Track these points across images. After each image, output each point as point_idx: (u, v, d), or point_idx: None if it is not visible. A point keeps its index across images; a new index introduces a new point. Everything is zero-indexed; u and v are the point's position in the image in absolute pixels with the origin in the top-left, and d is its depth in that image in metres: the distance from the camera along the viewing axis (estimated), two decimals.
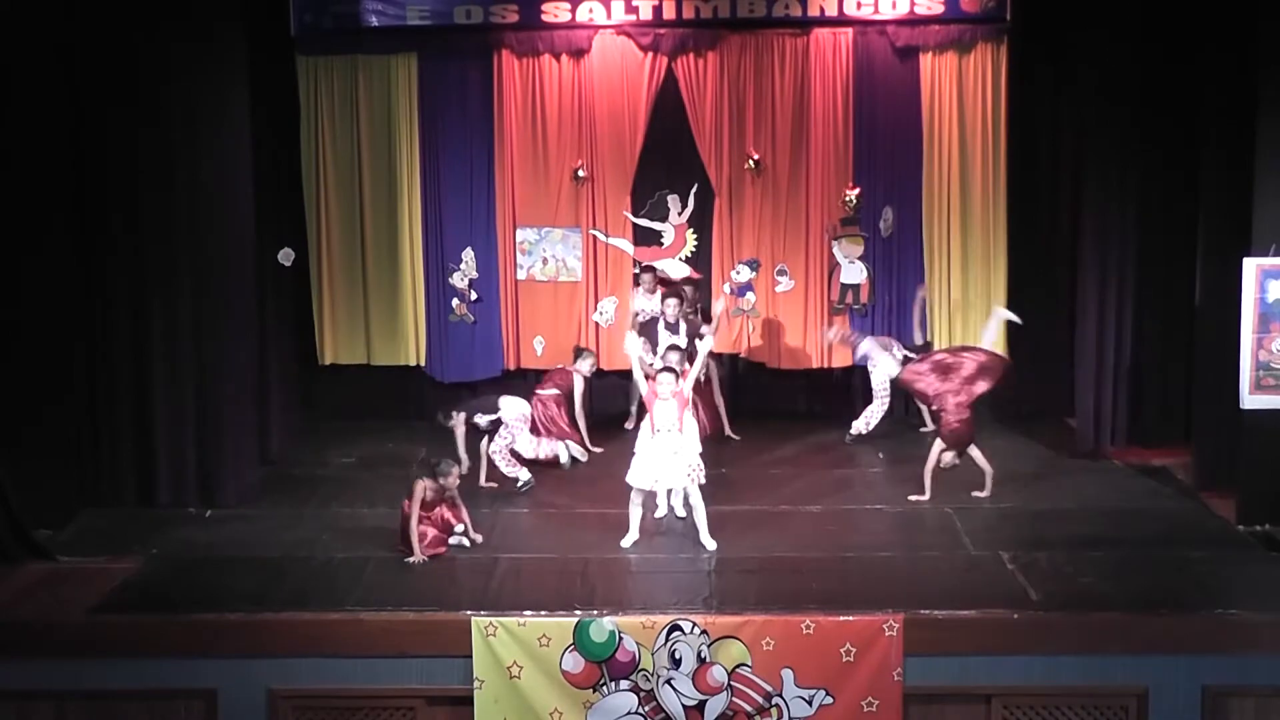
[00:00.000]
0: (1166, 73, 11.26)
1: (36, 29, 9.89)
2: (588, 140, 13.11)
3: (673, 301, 12.18)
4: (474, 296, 13.27)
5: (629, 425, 12.55)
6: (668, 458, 9.52)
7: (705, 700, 8.41)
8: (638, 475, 9.69)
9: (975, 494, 10.62)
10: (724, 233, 13.22)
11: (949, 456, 10.61)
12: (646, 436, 9.70)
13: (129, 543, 9.84)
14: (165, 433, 10.58)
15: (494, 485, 10.98)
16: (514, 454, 11.11)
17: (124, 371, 10.53)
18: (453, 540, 9.66)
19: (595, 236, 13.22)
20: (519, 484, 10.98)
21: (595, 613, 8.46)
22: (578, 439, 11.97)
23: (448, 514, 9.66)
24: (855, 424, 12.40)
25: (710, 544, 9.60)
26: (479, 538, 9.76)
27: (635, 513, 9.80)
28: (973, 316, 13.10)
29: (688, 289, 12.61)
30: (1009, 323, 12.52)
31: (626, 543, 9.69)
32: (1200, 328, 10.98)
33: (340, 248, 13.21)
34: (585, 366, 12.17)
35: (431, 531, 9.55)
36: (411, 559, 9.38)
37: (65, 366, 10.28)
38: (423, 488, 9.53)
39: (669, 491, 10.12)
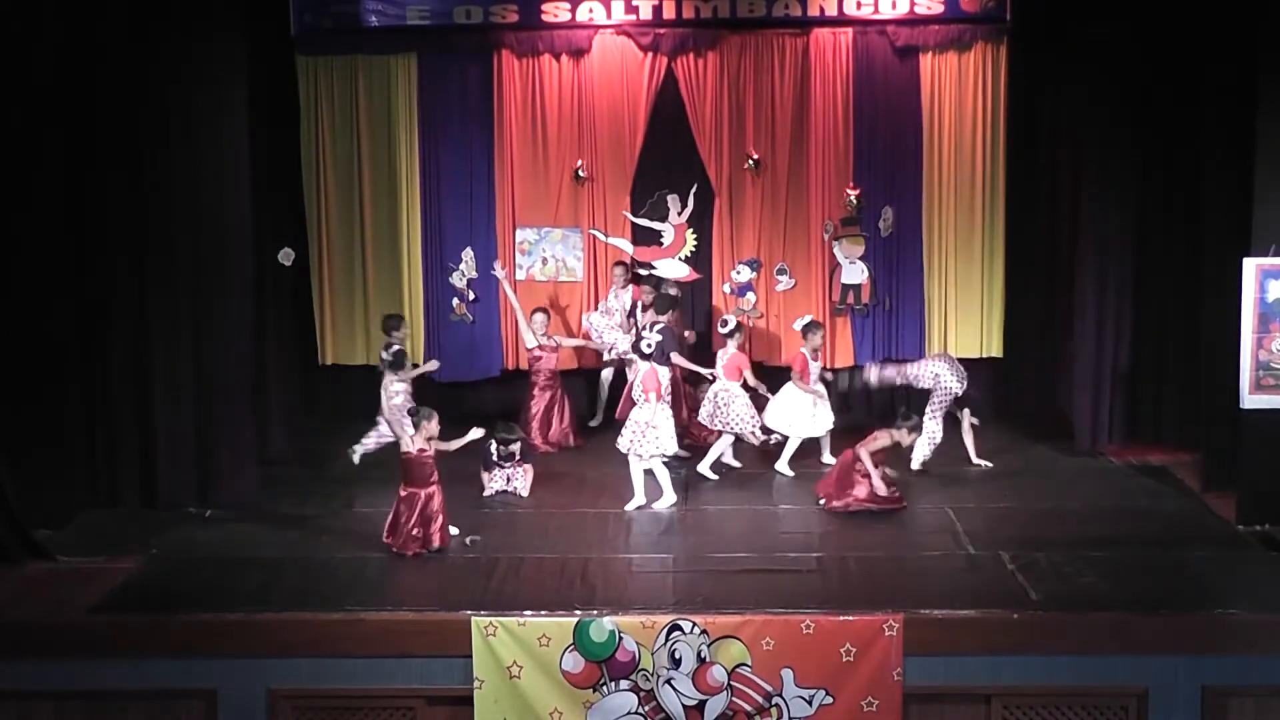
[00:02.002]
0: (1166, 73, 11.26)
1: (35, 26, 9.89)
2: (588, 140, 13.12)
3: (647, 289, 12.38)
4: (472, 296, 13.27)
5: (594, 423, 12.81)
6: (639, 426, 10.48)
7: (705, 700, 8.41)
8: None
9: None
10: (724, 232, 13.23)
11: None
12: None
13: (129, 543, 9.84)
14: (165, 433, 10.57)
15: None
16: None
17: (124, 371, 10.53)
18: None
19: (595, 236, 13.23)
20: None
21: (595, 613, 8.45)
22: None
23: (434, 519, 9.65)
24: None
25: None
26: (454, 529, 9.79)
27: (637, 478, 10.55)
28: (971, 316, 13.12)
29: (646, 288, 12.54)
30: (1007, 321, 12.64)
31: (631, 506, 10.51)
32: (1200, 328, 10.98)
33: (340, 248, 13.22)
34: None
35: (416, 531, 9.57)
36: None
37: (66, 367, 10.27)
38: (408, 439, 9.61)
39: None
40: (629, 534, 10.03)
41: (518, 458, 11.01)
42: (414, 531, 9.52)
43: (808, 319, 11.84)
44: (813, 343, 11.56)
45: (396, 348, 11.69)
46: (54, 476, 10.15)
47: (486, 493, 10.90)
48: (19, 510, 9.54)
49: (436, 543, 9.58)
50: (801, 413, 11.45)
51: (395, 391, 11.34)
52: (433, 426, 9.66)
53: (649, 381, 10.53)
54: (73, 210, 10.27)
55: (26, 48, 9.84)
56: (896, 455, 10.83)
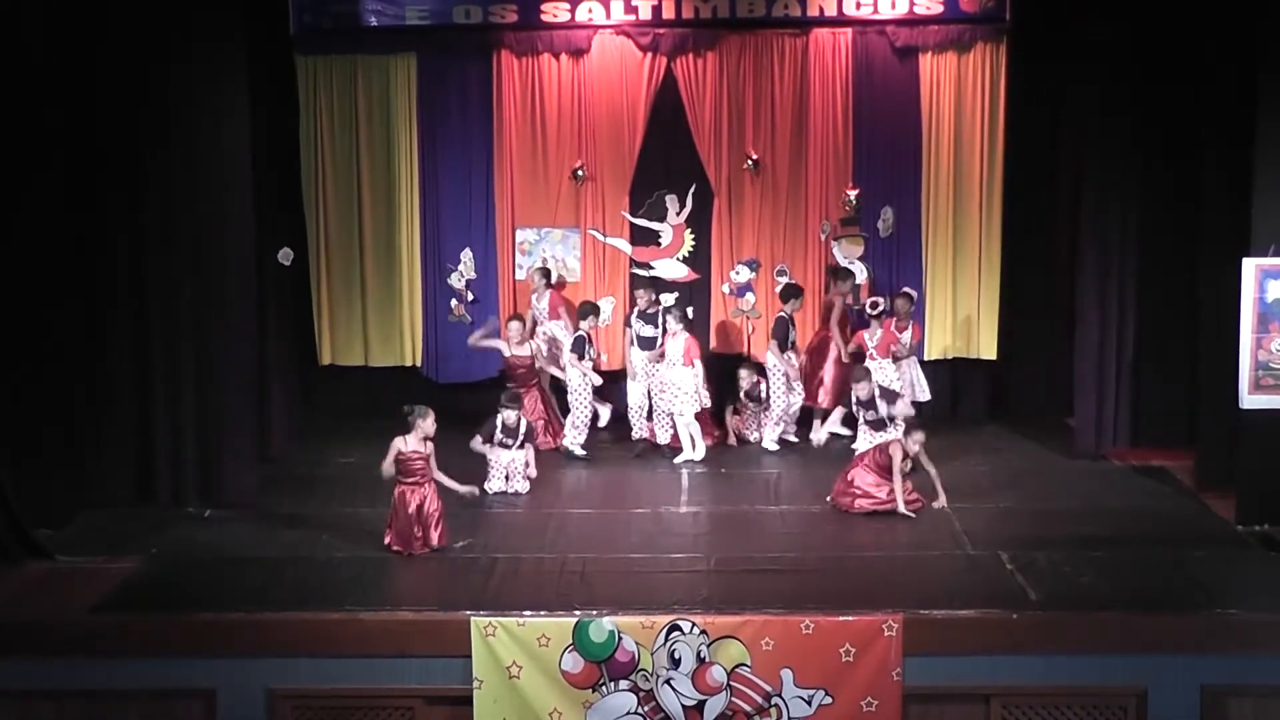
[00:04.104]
0: (1167, 73, 11.26)
1: (34, 26, 9.88)
2: (587, 140, 13.11)
3: (642, 293, 12.42)
4: (471, 297, 13.26)
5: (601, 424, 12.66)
6: (666, 384, 11.80)
7: (704, 700, 8.41)
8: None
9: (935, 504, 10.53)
10: (723, 233, 13.22)
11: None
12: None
13: (129, 543, 9.84)
14: (165, 433, 10.59)
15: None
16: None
17: (124, 371, 10.54)
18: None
19: (594, 236, 13.22)
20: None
21: (595, 613, 8.45)
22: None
23: (432, 519, 9.64)
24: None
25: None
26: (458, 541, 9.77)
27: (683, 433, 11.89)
28: (971, 316, 13.12)
29: (642, 291, 12.51)
30: (1007, 322, 12.61)
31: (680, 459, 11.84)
32: (1200, 328, 10.98)
33: (339, 248, 13.21)
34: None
35: (415, 531, 9.57)
36: (468, 488, 10.00)
37: (66, 367, 10.27)
38: (401, 440, 9.57)
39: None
40: (629, 534, 10.03)
41: (521, 438, 10.98)
42: (413, 531, 9.53)
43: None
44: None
45: (578, 334, 12.04)
46: (54, 476, 10.14)
47: (487, 485, 10.88)
48: (19, 510, 9.54)
49: (436, 542, 9.59)
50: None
51: (573, 377, 11.96)
52: (428, 425, 9.65)
53: (692, 350, 11.78)
54: (73, 211, 10.27)
55: (26, 48, 9.83)
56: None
